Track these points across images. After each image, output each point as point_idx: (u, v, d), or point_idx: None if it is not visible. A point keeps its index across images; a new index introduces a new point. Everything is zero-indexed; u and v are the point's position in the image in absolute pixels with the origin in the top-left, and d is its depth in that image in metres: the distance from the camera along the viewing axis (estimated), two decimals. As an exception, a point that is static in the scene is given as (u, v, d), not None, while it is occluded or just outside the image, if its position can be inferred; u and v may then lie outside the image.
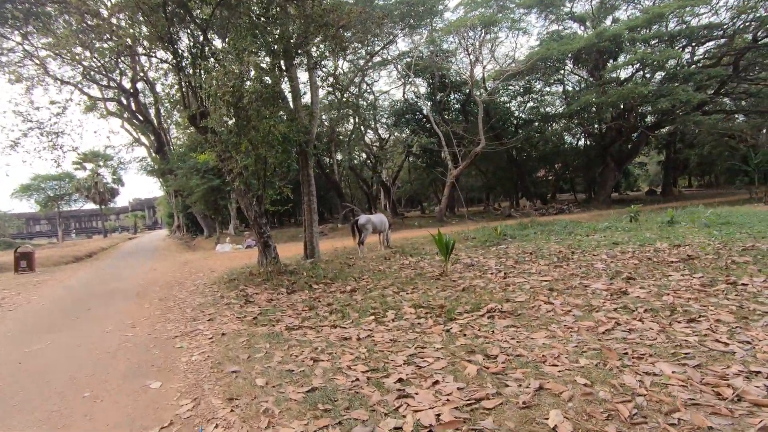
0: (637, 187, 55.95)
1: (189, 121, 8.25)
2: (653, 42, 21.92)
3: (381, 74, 32.14)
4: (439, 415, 2.56)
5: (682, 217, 13.28)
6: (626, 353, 3.38)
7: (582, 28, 30.72)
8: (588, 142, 35.65)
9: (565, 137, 38.62)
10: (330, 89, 16.79)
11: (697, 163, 46.32)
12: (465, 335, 4.21)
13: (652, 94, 19.05)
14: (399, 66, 28.75)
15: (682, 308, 4.45)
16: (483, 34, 26.31)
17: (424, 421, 2.49)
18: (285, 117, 9.46)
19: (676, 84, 20.64)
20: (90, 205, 55.19)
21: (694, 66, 22.47)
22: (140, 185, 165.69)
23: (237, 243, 18.05)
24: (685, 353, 3.27)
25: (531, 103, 34.25)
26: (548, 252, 9.11)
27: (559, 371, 3.11)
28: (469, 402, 2.69)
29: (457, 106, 31.52)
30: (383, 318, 5.05)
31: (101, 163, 47.68)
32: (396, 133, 35.32)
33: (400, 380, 3.14)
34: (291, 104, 10.23)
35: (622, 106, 23.60)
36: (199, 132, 8.36)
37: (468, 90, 30.22)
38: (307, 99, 13.34)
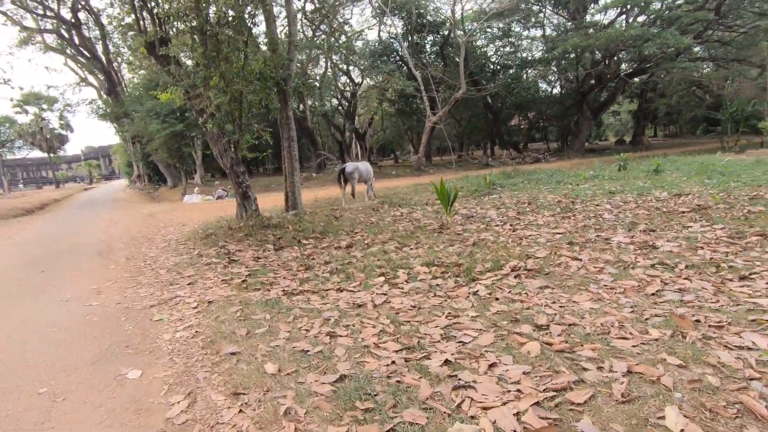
0: (605, 137, 56.67)
1: (146, 51, 6.96)
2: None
3: (354, 11, 29.78)
4: (518, 414, 2.00)
5: (666, 166, 13.17)
6: (698, 321, 2.93)
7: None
8: (564, 90, 35.05)
9: (541, 85, 37.99)
10: (310, 15, 15.10)
11: (665, 113, 47.11)
12: (497, 299, 3.68)
13: (639, 37, 18.38)
14: (374, 2, 26.59)
15: (725, 264, 4.05)
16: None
17: (504, 425, 1.93)
18: (261, 48, 8.24)
19: (660, 28, 20.02)
20: (37, 153, 50.99)
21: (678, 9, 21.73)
22: (93, 132, 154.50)
23: (206, 193, 16.83)
24: (768, 320, 2.83)
25: (509, 48, 32.96)
26: (546, 202, 8.69)
27: (634, 346, 2.62)
28: (548, 394, 2.14)
29: (434, 49, 29.90)
30: (394, 279, 4.44)
31: (45, 106, 43.40)
32: (369, 78, 33.45)
33: (446, 362, 2.57)
34: (265, 36, 8.94)
35: (600, 53, 22.85)
36: (159, 63, 7.09)
37: (447, 32, 28.62)
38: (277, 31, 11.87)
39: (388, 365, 2.59)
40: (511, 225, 6.71)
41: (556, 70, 33.35)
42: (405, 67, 27.78)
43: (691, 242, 4.85)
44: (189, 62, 7.22)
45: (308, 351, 2.88)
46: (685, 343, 2.61)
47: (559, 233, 6.02)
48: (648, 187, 9.44)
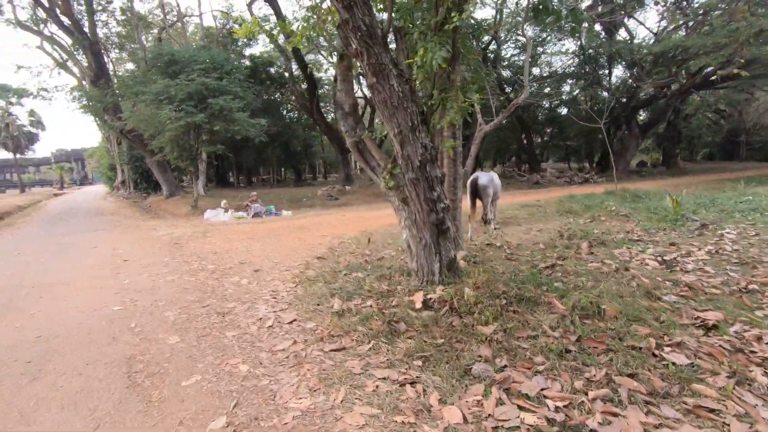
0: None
1: None
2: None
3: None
4: None
5: None
6: None
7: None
8: (590, 107, 31.84)
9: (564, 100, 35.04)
10: None
11: (685, 136, 45.05)
12: None
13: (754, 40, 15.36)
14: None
15: None
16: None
17: None
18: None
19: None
20: (1, 154, 44.94)
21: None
22: (66, 133, 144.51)
23: (236, 209, 12.47)
24: None
25: (547, 58, 30.03)
26: None
27: None
28: None
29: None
30: None
31: (13, 100, 37.95)
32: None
33: None
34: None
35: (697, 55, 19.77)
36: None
37: (491, 35, 25.41)
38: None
39: None
40: None
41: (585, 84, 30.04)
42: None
43: None
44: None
45: None
46: None
47: None
48: None
